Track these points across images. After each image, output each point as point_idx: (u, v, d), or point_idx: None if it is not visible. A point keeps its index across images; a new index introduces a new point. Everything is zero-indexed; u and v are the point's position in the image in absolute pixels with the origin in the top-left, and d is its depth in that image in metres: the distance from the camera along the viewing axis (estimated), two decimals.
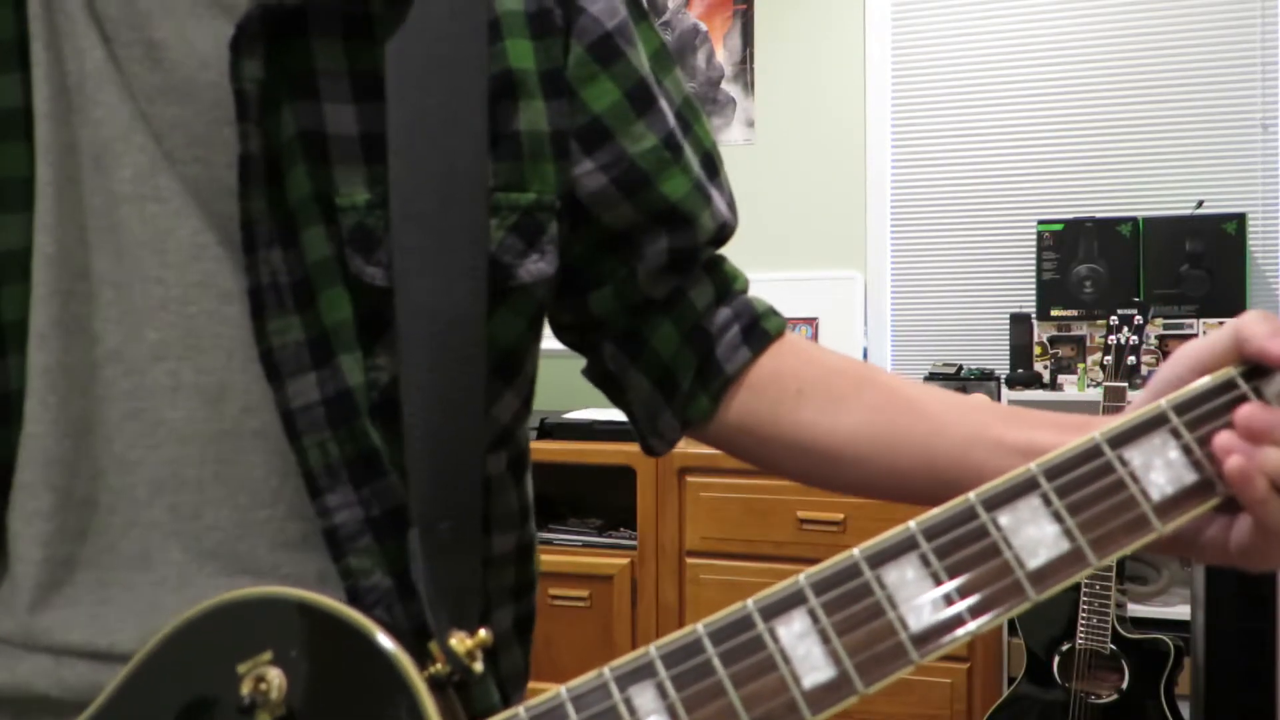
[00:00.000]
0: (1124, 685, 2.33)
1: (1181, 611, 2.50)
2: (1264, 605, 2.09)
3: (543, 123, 0.63)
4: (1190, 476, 0.48)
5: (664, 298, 0.70)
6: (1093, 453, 0.48)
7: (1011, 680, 2.47)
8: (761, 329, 0.71)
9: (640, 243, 0.68)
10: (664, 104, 0.68)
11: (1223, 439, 0.48)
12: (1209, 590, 2.12)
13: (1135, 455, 0.48)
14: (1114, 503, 0.47)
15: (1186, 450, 0.48)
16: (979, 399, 0.67)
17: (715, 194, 0.71)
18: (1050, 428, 0.61)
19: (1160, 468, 0.48)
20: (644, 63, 0.68)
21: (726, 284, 0.73)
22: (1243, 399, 0.49)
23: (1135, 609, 2.62)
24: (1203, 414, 0.49)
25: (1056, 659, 2.38)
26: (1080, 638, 2.35)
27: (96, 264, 0.56)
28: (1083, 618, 2.34)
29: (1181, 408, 0.49)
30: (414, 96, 0.58)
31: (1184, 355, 0.52)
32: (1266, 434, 0.47)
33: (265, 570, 0.58)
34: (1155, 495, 0.47)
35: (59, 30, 0.56)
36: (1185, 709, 2.29)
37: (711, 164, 0.72)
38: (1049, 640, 2.38)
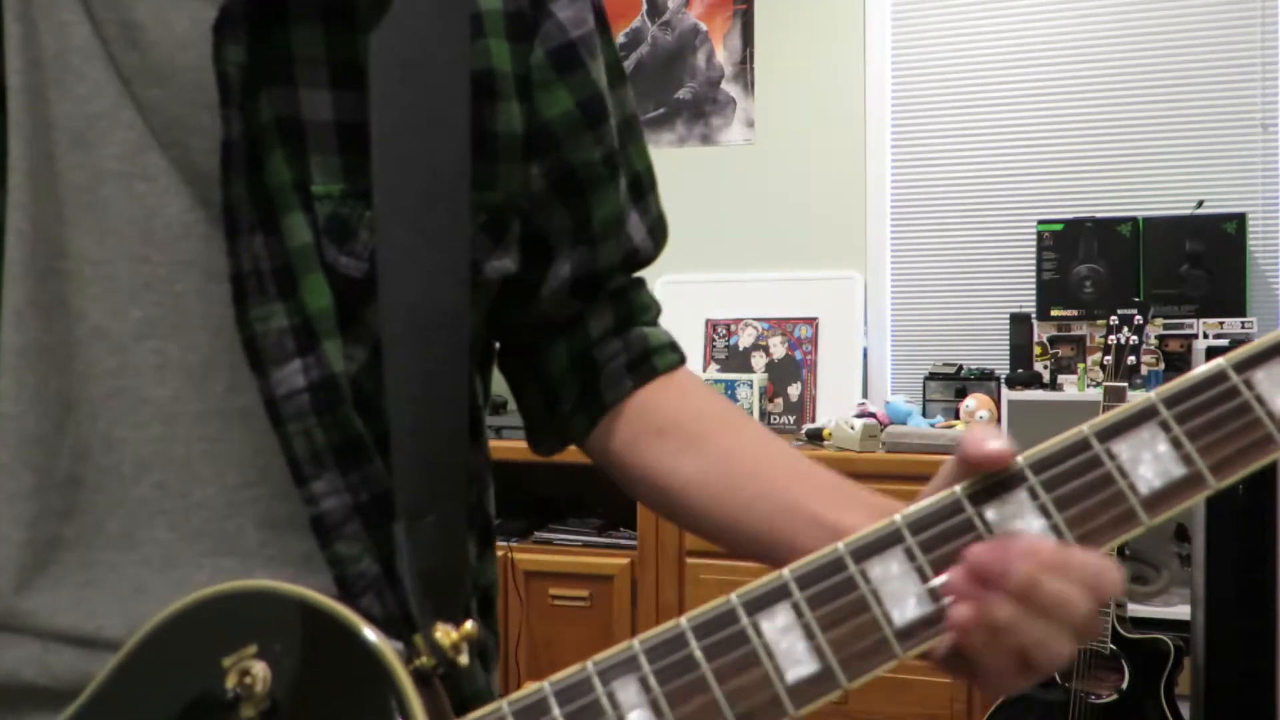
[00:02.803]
0: (1124, 685, 2.33)
1: (1181, 611, 2.50)
2: (1264, 605, 2.08)
3: (517, 125, 0.64)
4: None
5: (563, 320, 0.72)
6: (1082, 445, 0.47)
7: None
8: (650, 364, 0.73)
9: (553, 256, 0.69)
10: (613, 120, 0.69)
11: (954, 582, 0.46)
12: (1209, 590, 2.12)
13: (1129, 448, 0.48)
14: (1104, 497, 0.47)
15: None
16: (811, 470, 0.66)
17: (634, 219, 0.73)
18: (861, 509, 0.61)
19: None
20: (602, 75, 0.69)
21: (630, 314, 0.74)
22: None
23: (1135, 609, 2.61)
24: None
25: None
26: None
27: (76, 242, 0.56)
28: None
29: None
30: (398, 90, 0.58)
31: (929, 488, 0.51)
32: (996, 578, 0.45)
33: (252, 551, 0.58)
34: (1143, 489, 0.47)
35: (32, 3, 0.55)
36: (1185, 709, 2.29)
37: (640, 186, 0.74)
38: None
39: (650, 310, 0.76)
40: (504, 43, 0.63)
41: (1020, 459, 0.48)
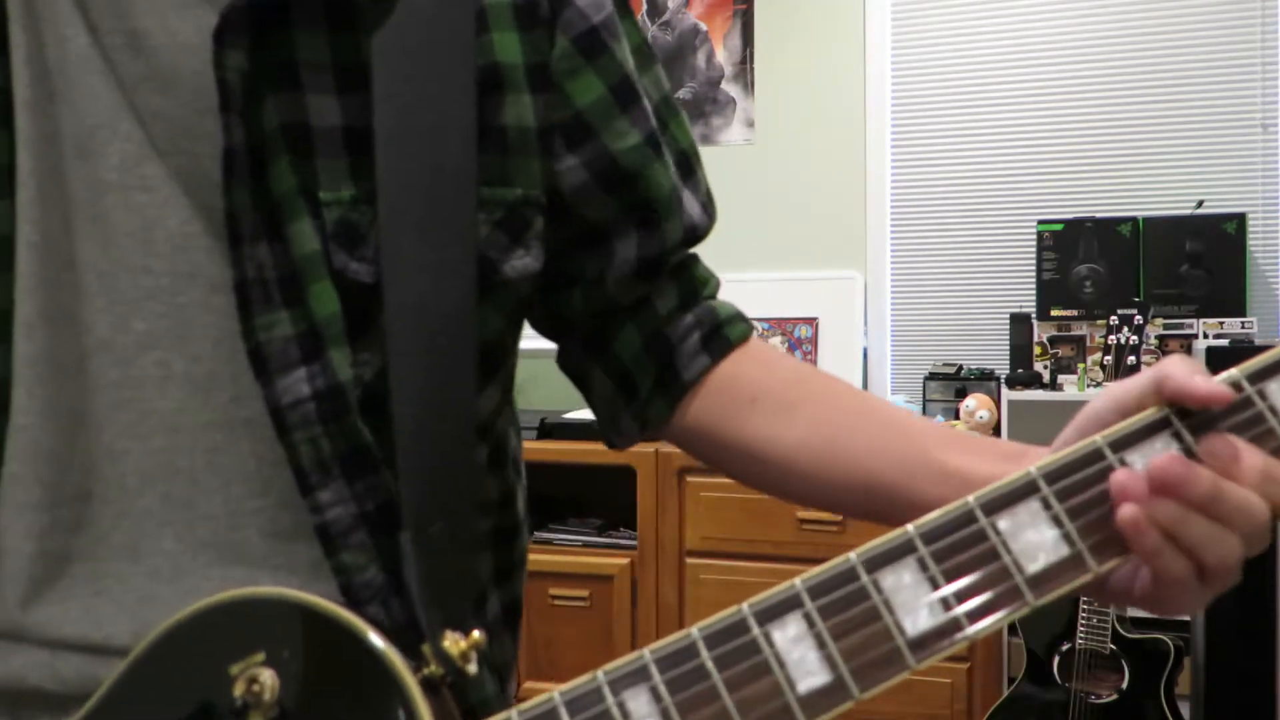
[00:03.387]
0: (1124, 685, 2.33)
1: None
2: (1264, 605, 2.09)
3: (529, 117, 0.63)
4: None
5: (629, 304, 0.71)
6: (1094, 456, 0.48)
7: (1011, 680, 2.47)
8: (723, 336, 0.72)
9: (612, 243, 0.68)
10: (646, 101, 0.68)
11: (1119, 478, 0.47)
12: None
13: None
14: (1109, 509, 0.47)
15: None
16: (924, 422, 0.66)
17: (688, 195, 0.71)
18: (988, 455, 0.61)
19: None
20: (628, 58, 0.68)
21: (694, 289, 0.73)
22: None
23: (1135, 609, 2.61)
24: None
25: (1056, 659, 2.38)
26: (1080, 638, 2.35)
27: (82, 253, 0.56)
28: (1083, 617, 2.34)
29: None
30: (401, 90, 0.57)
31: (1106, 394, 0.52)
32: (1176, 488, 0.46)
33: (258, 560, 0.58)
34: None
35: (38, 14, 0.55)
36: (1185, 709, 2.29)
37: (687, 163, 0.72)
38: (1049, 640, 2.38)
39: (710, 283, 0.75)
40: (512, 34, 0.63)
41: (1033, 468, 0.48)
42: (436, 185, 0.58)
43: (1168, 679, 2.31)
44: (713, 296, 0.74)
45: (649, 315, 0.71)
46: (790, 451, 0.67)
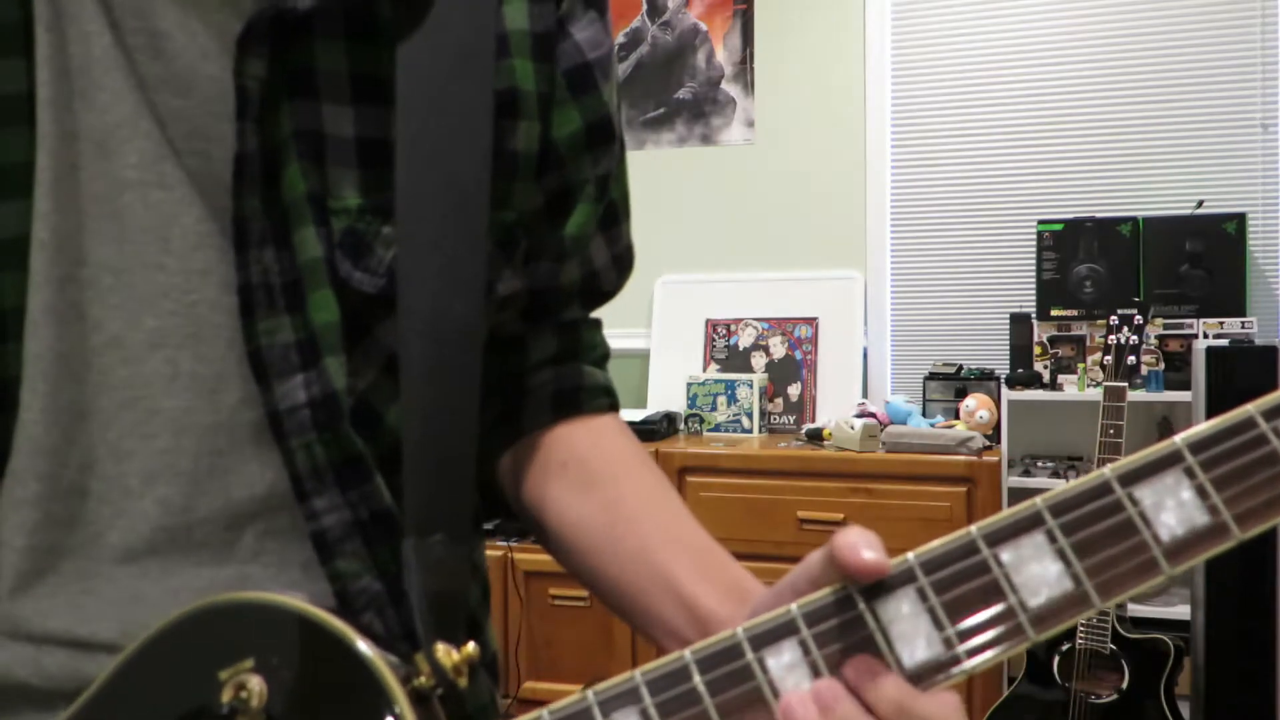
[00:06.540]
0: (1124, 685, 2.34)
1: (1181, 611, 2.50)
2: (1264, 605, 2.09)
3: (535, 144, 0.64)
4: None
5: (504, 338, 0.70)
6: (1102, 489, 0.46)
7: (1011, 680, 2.47)
8: (575, 401, 0.71)
9: (515, 269, 0.68)
10: (617, 146, 0.69)
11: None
12: (1209, 590, 2.12)
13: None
14: (1125, 547, 0.45)
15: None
16: (694, 534, 0.65)
17: (598, 244, 0.71)
18: (722, 593, 0.60)
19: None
20: (614, 98, 0.68)
21: (575, 349, 0.73)
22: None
23: (1135, 609, 2.62)
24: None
25: (1056, 659, 2.38)
26: (1080, 638, 2.36)
27: (96, 250, 0.56)
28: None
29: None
30: (424, 107, 0.57)
31: (790, 578, 0.50)
32: (832, 707, 0.43)
33: (249, 559, 0.58)
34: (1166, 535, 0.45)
35: (63, 14, 0.55)
36: (1185, 709, 2.30)
37: (613, 213, 0.72)
38: (1049, 640, 2.38)
39: (597, 350, 0.75)
40: (529, 62, 0.63)
41: (1039, 500, 0.46)
42: (455, 205, 0.58)
43: (1168, 679, 2.32)
44: (595, 364, 0.74)
45: (517, 358, 0.71)
46: (570, 527, 0.67)
